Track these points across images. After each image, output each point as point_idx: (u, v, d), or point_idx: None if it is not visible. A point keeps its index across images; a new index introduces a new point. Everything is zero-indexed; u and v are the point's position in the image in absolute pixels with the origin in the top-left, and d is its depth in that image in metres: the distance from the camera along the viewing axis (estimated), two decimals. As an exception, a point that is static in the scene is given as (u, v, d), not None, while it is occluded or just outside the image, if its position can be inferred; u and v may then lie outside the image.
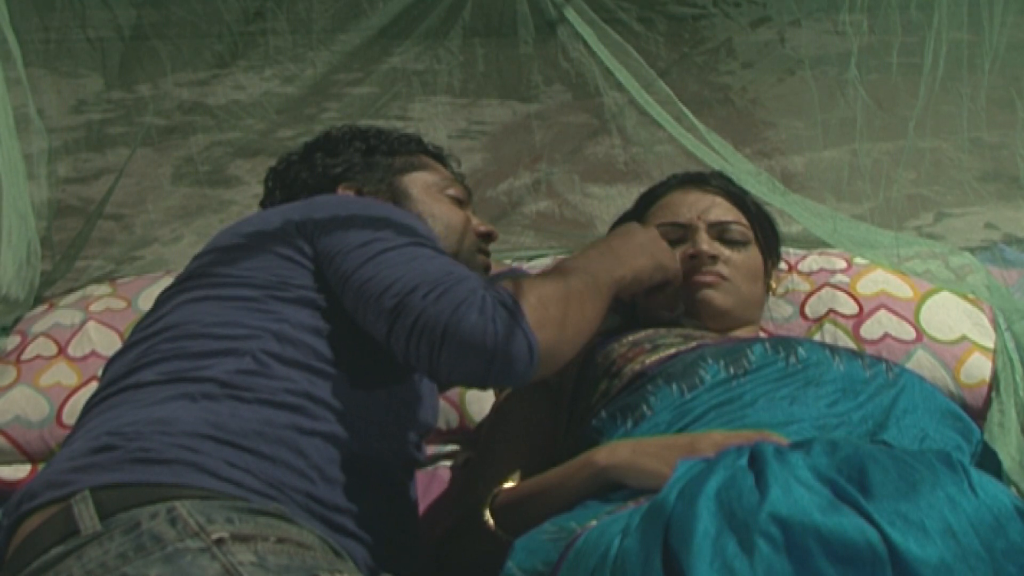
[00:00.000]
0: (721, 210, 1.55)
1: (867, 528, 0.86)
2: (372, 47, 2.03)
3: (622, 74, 1.87)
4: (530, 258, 1.99)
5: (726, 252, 1.51)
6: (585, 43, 1.93)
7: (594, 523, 1.03)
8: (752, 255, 1.54)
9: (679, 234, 1.53)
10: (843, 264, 1.79)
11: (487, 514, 1.26)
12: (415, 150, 1.58)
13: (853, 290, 1.73)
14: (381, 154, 1.54)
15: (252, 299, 1.23)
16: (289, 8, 1.99)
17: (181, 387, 1.15)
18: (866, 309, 1.69)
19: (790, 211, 1.77)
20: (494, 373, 1.11)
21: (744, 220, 1.56)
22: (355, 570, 1.10)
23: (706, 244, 1.50)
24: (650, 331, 1.46)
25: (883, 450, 0.99)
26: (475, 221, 1.56)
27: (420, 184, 1.51)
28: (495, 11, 2.00)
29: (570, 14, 1.92)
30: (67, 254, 2.03)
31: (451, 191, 1.53)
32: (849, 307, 1.71)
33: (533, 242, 2.11)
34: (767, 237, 1.60)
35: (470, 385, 1.23)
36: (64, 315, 1.82)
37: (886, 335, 1.66)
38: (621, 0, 1.96)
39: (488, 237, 1.57)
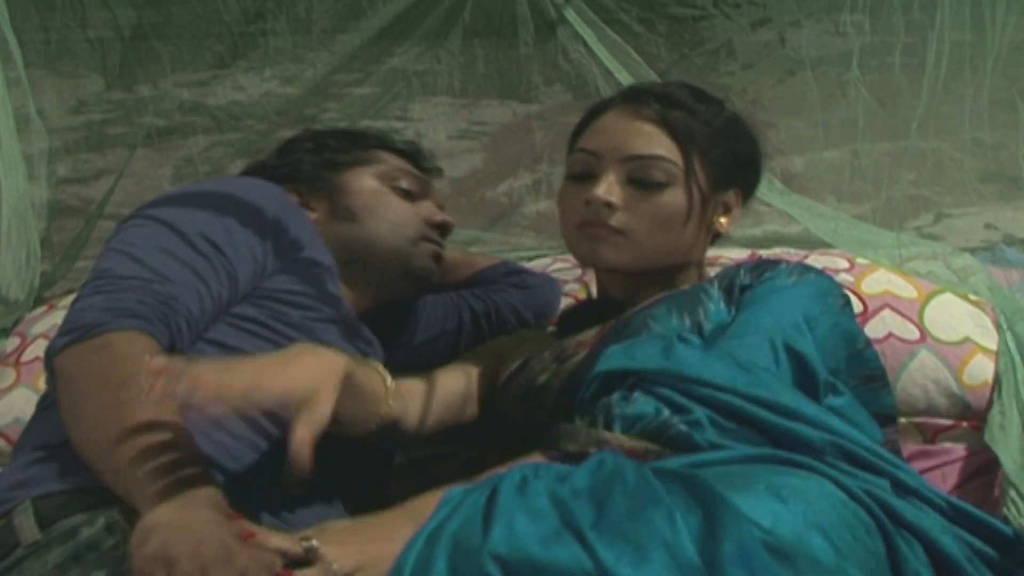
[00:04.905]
0: (642, 141, 1.33)
1: (583, 556, 0.87)
2: (372, 48, 2.03)
3: (622, 75, 1.86)
4: (530, 258, 1.98)
5: (628, 197, 1.31)
6: (585, 44, 1.93)
7: None
8: (672, 198, 1.32)
9: (593, 167, 1.34)
10: (845, 264, 1.79)
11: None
12: (372, 145, 1.55)
13: (858, 289, 1.73)
14: (330, 151, 1.51)
15: None
16: (289, 8, 1.99)
17: None
18: (871, 308, 1.69)
19: (791, 211, 1.77)
20: None
21: (673, 154, 1.33)
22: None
23: (603, 188, 1.30)
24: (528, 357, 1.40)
25: (637, 467, 0.98)
26: (429, 211, 1.52)
27: (360, 179, 1.49)
28: (495, 12, 2.01)
29: (570, 15, 1.93)
30: (67, 254, 2.02)
31: (401, 183, 1.50)
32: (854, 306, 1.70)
33: (533, 242, 2.10)
34: (715, 169, 1.36)
35: None
36: (63, 316, 1.81)
37: (890, 335, 1.66)
38: (621, 1, 1.96)
39: (441, 227, 1.53)
